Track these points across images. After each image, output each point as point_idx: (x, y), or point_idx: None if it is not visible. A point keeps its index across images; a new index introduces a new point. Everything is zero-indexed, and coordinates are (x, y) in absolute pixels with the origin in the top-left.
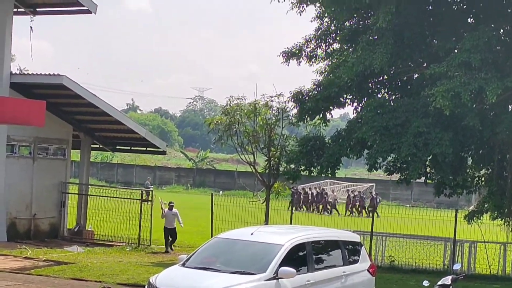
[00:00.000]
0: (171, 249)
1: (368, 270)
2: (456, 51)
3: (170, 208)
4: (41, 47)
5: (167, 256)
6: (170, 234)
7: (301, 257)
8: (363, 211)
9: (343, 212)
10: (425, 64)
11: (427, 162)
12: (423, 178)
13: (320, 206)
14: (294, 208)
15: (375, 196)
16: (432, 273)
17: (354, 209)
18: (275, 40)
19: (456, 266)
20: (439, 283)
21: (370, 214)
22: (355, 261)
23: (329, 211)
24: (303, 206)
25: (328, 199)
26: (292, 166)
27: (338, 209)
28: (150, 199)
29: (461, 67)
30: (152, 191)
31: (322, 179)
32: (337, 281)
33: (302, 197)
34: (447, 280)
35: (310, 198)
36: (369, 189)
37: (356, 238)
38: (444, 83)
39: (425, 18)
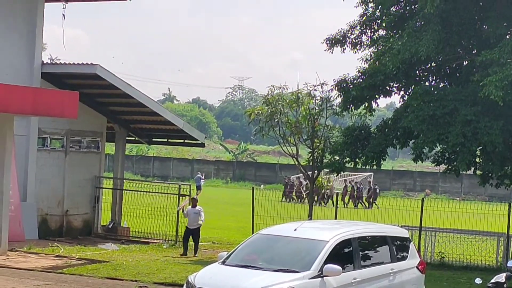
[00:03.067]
0: (195, 254)
1: (417, 267)
2: (508, 36)
3: (194, 205)
4: (76, 36)
5: (206, 253)
6: (193, 235)
7: (347, 253)
8: (361, 202)
9: (341, 204)
10: (475, 51)
11: (477, 152)
12: (472, 170)
13: (315, 197)
14: (286, 199)
15: (373, 187)
16: (485, 270)
17: (351, 200)
18: (319, 27)
19: (511, 263)
20: (493, 280)
21: (368, 205)
22: (404, 258)
23: (325, 202)
24: (294, 197)
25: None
26: (336, 157)
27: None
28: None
29: None
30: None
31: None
32: (384, 278)
33: (295, 187)
34: (501, 277)
35: (304, 188)
36: (366, 179)
37: (404, 233)
38: (496, 71)
39: (474, 3)
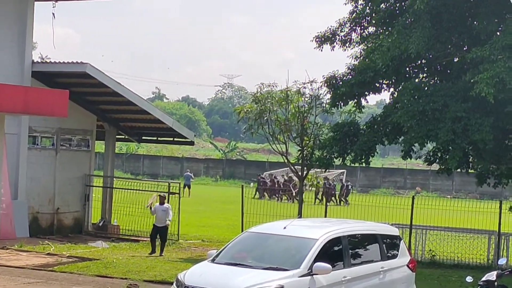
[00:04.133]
0: (161, 253)
1: (407, 266)
2: (498, 33)
3: (161, 202)
4: (66, 35)
5: (196, 251)
6: (160, 233)
7: (336, 252)
8: (332, 199)
9: (311, 201)
10: (465, 48)
11: (468, 150)
12: (464, 168)
13: (285, 195)
14: (259, 196)
15: (345, 184)
16: (476, 268)
17: (324, 197)
18: (310, 26)
19: (502, 261)
20: (484, 279)
21: (340, 202)
22: (394, 256)
23: (295, 200)
24: (271, 194)
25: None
26: (325, 153)
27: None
28: (177, 192)
29: (505, 50)
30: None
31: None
32: (375, 277)
33: (268, 184)
34: (492, 275)
35: (277, 185)
36: (338, 176)
37: (394, 231)
38: (487, 68)
39: None
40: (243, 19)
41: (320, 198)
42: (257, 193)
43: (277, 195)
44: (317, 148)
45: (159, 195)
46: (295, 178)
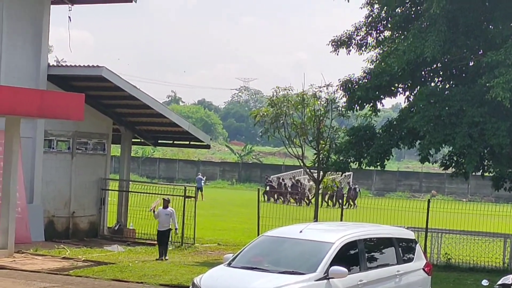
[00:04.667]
0: (165, 257)
1: (423, 269)
2: None
3: (165, 206)
4: (82, 38)
5: (212, 255)
6: (162, 237)
7: (352, 255)
8: (340, 201)
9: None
10: (481, 52)
11: (484, 154)
12: (480, 172)
13: (295, 197)
14: (267, 199)
15: (353, 187)
16: (492, 272)
17: (331, 200)
18: (325, 28)
19: None
20: (499, 282)
21: (348, 205)
22: (410, 260)
23: (307, 202)
24: (278, 197)
25: (306, 190)
26: (341, 157)
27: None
28: (193, 195)
29: None
30: (198, 188)
31: (295, 169)
32: (391, 280)
33: (276, 187)
34: (508, 279)
35: (284, 188)
36: (346, 179)
37: (410, 235)
38: (502, 72)
39: (480, 3)
40: (256, 21)
41: (326, 200)
42: (265, 196)
43: (282, 197)
44: (334, 152)
45: (163, 199)
46: (303, 181)
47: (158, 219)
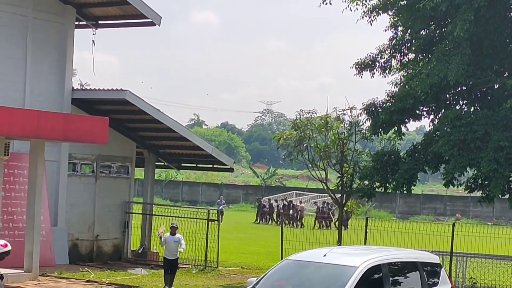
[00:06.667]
0: (170, 287)
1: None
2: None
3: (173, 232)
4: (106, 61)
5: (235, 278)
6: (171, 266)
7: (377, 280)
8: (327, 222)
9: (311, 225)
10: (506, 74)
11: (510, 178)
12: (507, 196)
13: (287, 219)
14: (260, 221)
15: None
16: None
17: (323, 222)
18: (348, 51)
19: None
20: None
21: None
22: (435, 284)
23: (299, 224)
24: (269, 219)
25: (297, 210)
26: (366, 182)
27: (303, 222)
28: (216, 218)
29: None
30: (218, 210)
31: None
32: None
33: (267, 209)
34: None
35: (276, 210)
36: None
37: (435, 259)
38: None
39: (505, 25)
40: (279, 44)
41: (319, 222)
42: (257, 218)
43: (275, 219)
44: (358, 177)
45: (171, 225)
46: (295, 203)
47: (165, 246)
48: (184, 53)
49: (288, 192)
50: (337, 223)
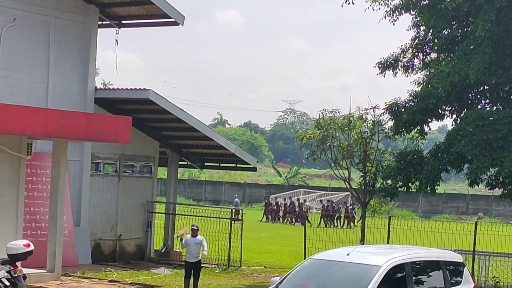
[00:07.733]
0: None
1: None
2: None
3: (194, 234)
4: (128, 61)
5: (258, 278)
6: (194, 269)
7: (400, 279)
8: (338, 221)
9: (316, 223)
10: None
11: None
12: None
13: (293, 217)
14: (267, 219)
15: (349, 207)
16: None
17: (330, 220)
18: (370, 50)
19: None
20: None
21: (346, 225)
22: (458, 283)
23: (306, 222)
24: (276, 217)
25: (303, 209)
26: (389, 182)
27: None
28: (240, 218)
29: None
30: (241, 209)
31: (294, 188)
32: None
33: (274, 207)
34: None
35: (282, 208)
36: (344, 199)
37: (458, 258)
38: None
39: None
40: (301, 43)
41: (325, 221)
42: (263, 216)
43: (278, 217)
44: (381, 177)
45: (192, 227)
46: (296, 202)
47: (186, 249)
48: (207, 53)
49: (294, 191)
50: (359, 222)
